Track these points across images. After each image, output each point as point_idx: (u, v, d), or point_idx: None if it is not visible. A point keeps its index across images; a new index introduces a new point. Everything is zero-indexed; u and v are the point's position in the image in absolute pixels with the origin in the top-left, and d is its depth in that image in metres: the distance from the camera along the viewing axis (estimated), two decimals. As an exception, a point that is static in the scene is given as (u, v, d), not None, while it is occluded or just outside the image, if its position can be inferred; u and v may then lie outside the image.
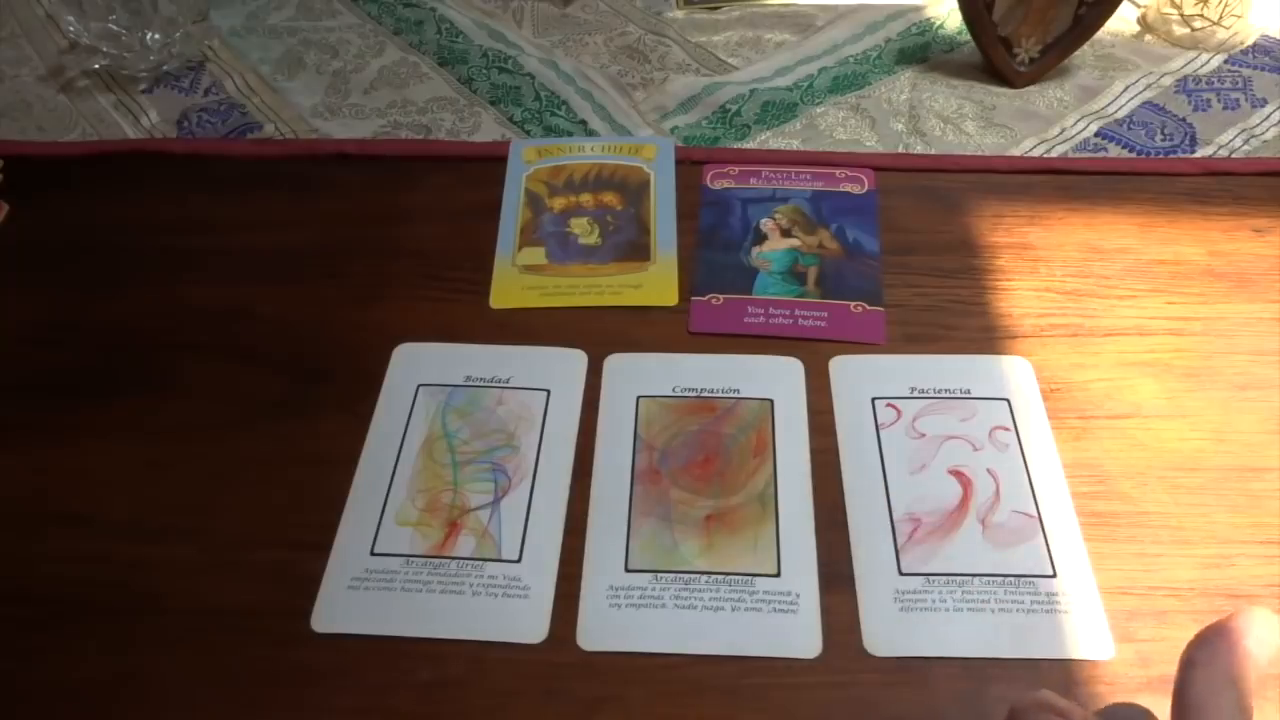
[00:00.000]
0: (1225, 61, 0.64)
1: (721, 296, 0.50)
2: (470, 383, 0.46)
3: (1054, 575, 0.39)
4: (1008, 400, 0.45)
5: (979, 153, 0.58)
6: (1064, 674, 0.36)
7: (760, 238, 0.53)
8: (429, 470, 0.43)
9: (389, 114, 0.62)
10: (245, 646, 0.37)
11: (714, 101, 0.61)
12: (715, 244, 0.52)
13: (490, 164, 0.57)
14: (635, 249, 0.52)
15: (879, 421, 0.44)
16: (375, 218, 0.54)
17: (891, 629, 0.37)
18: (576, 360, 0.47)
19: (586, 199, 0.55)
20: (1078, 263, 0.51)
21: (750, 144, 0.59)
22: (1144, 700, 0.35)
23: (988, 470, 0.42)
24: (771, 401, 0.45)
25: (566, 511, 0.41)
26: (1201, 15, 0.64)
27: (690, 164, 0.57)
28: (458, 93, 0.63)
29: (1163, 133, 0.59)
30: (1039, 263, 0.51)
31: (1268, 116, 0.59)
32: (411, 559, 0.40)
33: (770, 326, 0.48)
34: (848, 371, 0.46)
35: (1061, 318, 0.48)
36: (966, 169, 0.56)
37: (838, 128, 0.60)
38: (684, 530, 0.41)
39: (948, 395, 0.45)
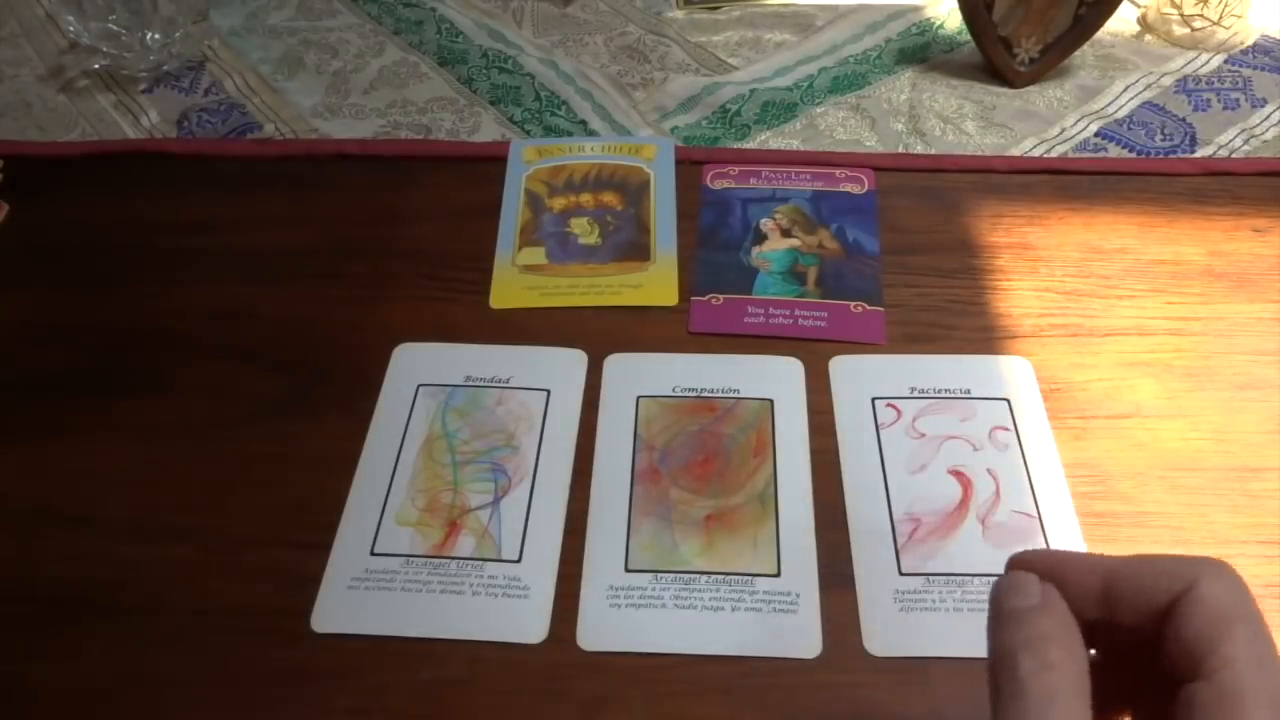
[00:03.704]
0: (1225, 61, 0.64)
1: (721, 296, 0.50)
2: (470, 383, 0.46)
3: (1054, 575, 0.39)
4: (1008, 400, 0.45)
5: (979, 153, 0.58)
6: (1064, 674, 0.36)
7: (760, 238, 0.53)
8: (429, 470, 0.43)
9: (389, 114, 0.62)
10: (245, 646, 0.38)
11: (714, 101, 0.61)
12: (715, 244, 0.52)
13: (490, 164, 0.57)
14: (635, 249, 0.52)
15: (879, 421, 0.44)
16: (375, 217, 0.54)
17: (891, 629, 0.37)
18: (576, 360, 0.47)
19: (586, 199, 0.55)
20: (1077, 263, 0.51)
21: (750, 144, 0.59)
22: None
23: (988, 470, 0.42)
24: (771, 401, 0.45)
25: (566, 511, 0.41)
26: (1201, 15, 0.64)
27: (690, 164, 0.57)
28: (458, 93, 0.63)
29: (1163, 133, 0.59)
30: (1039, 263, 0.51)
31: (1268, 116, 0.59)
32: (411, 559, 0.40)
33: (770, 326, 0.48)
34: (848, 371, 0.46)
35: (1061, 318, 0.48)
36: (966, 169, 0.56)
37: (838, 128, 0.60)
38: (684, 530, 0.41)
39: (948, 395, 0.45)
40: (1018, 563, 0.24)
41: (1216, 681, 0.20)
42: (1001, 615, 0.23)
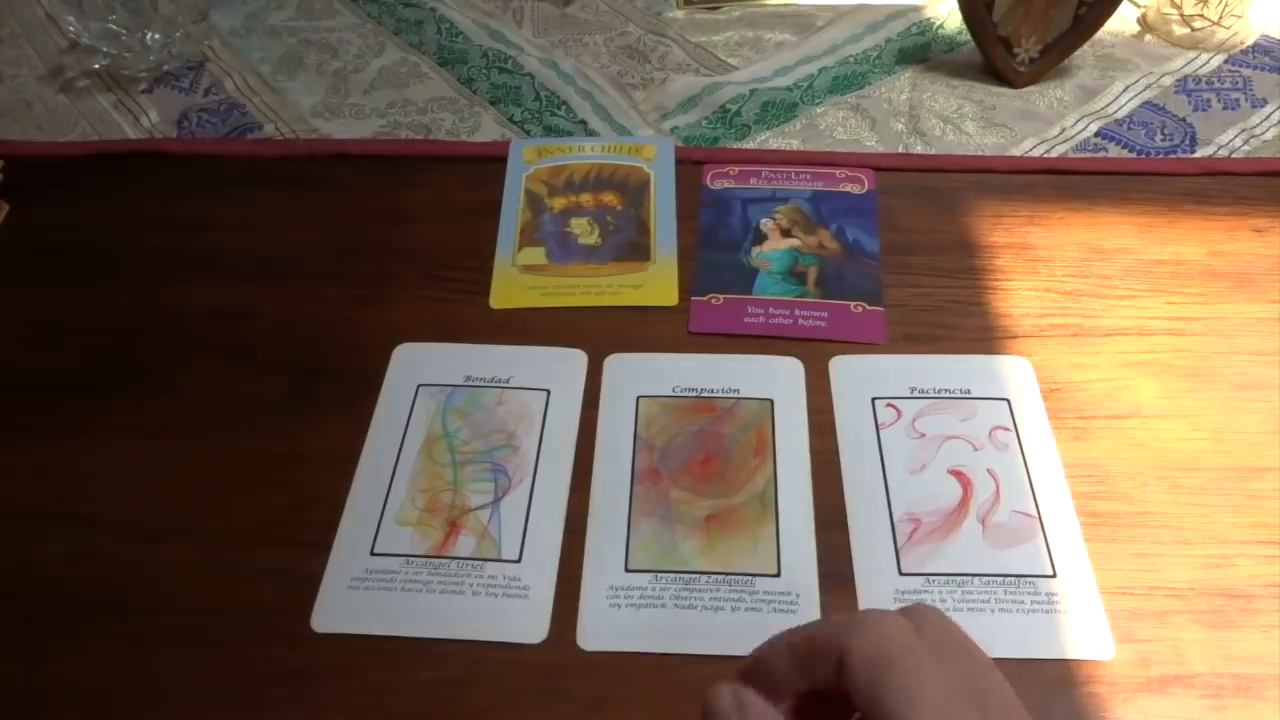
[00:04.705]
0: (1225, 61, 0.63)
1: (721, 296, 0.50)
2: (470, 383, 0.46)
3: (1054, 575, 0.39)
4: (1008, 400, 0.45)
5: (979, 153, 0.58)
6: (1064, 674, 0.36)
7: (760, 238, 0.53)
8: (429, 470, 0.43)
9: (389, 114, 0.62)
10: (245, 646, 0.38)
11: (714, 101, 0.61)
12: (715, 244, 0.52)
13: (490, 164, 0.57)
14: (635, 249, 0.52)
15: (879, 421, 0.44)
16: (375, 218, 0.54)
17: (891, 629, 0.37)
18: (576, 360, 0.47)
19: (586, 199, 0.55)
20: (1078, 263, 0.51)
21: (750, 144, 0.59)
22: (1143, 700, 0.36)
23: (988, 470, 0.42)
24: (771, 401, 0.45)
25: (566, 511, 0.41)
26: (1201, 15, 0.64)
27: (690, 164, 0.57)
28: (458, 93, 0.63)
29: (1163, 133, 0.59)
30: (1039, 263, 0.51)
31: (1268, 116, 0.59)
32: (411, 559, 0.40)
33: (770, 326, 0.48)
34: (848, 371, 0.46)
35: (1061, 318, 0.48)
36: (966, 169, 0.56)
37: (838, 128, 0.60)
38: (684, 530, 0.41)
39: (948, 395, 0.45)
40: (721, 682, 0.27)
41: (892, 717, 0.23)
42: None
